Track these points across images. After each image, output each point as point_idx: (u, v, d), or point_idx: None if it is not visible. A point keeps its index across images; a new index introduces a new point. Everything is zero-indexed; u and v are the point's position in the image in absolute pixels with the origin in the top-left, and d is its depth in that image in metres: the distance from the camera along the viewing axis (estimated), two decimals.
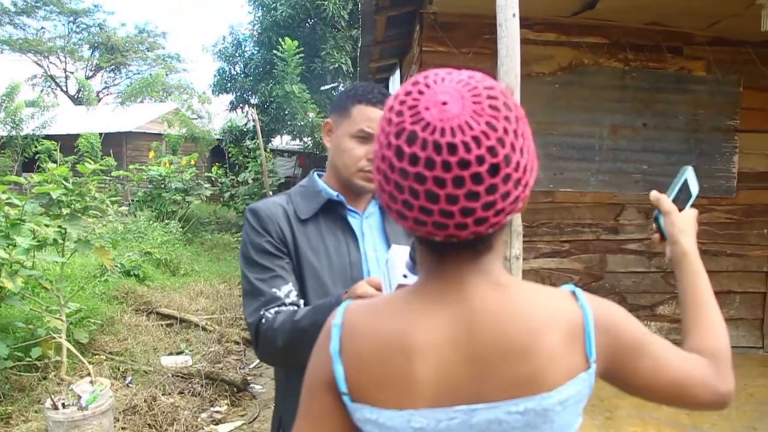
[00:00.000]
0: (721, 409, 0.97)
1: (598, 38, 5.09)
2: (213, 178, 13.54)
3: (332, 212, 1.59)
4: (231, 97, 16.17)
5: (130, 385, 4.55)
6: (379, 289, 1.27)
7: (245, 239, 1.55)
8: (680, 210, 1.17)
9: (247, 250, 1.53)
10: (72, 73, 33.78)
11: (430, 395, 0.83)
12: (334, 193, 1.59)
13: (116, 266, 6.05)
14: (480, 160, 0.75)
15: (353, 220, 1.60)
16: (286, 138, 17.03)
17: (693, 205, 1.20)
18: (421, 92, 0.79)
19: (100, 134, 15.72)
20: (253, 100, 15.54)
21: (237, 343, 6.03)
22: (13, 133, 16.31)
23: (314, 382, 0.90)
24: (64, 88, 34.69)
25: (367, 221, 1.62)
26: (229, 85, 15.94)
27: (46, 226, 4.03)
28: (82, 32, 33.51)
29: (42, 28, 32.59)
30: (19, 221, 3.96)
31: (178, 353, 5.38)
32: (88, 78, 31.75)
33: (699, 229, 1.13)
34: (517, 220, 2.73)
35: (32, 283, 4.70)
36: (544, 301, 0.88)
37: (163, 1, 76.94)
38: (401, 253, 1.21)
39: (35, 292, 4.85)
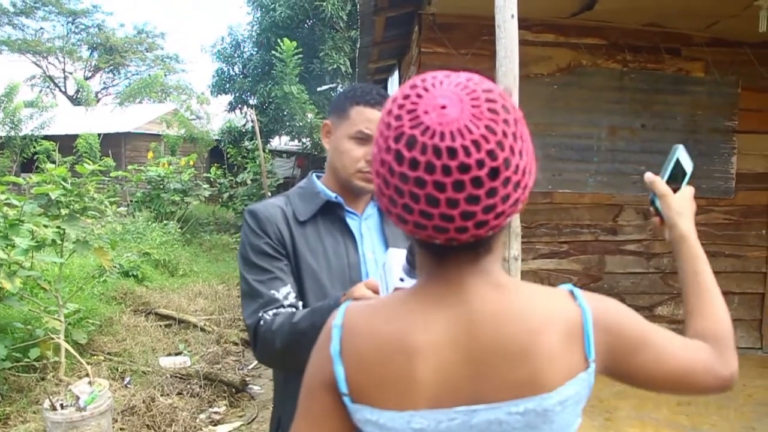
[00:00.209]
0: (725, 391, 0.98)
1: (597, 39, 5.10)
2: (212, 179, 13.53)
3: (331, 214, 1.59)
4: (230, 97, 16.18)
5: (129, 385, 4.55)
6: (376, 291, 1.27)
7: (244, 241, 1.55)
8: (676, 190, 1.16)
9: (245, 252, 1.53)
10: (71, 73, 33.74)
11: (430, 396, 0.83)
12: (332, 195, 1.59)
13: (115, 267, 6.05)
14: (480, 163, 0.75)
15: (352, 222, 1.60)
16: (285, 139, 17.04)
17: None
18: (419, 96, 0.79)
19: (99, 135, 15.71)
20: (252, 101, 15.55)
21: (235, 344, 6.03)
22: (12, 133, 16.29)
23: (314, 382, 0.90)
24: (63, 89, 34.67)
25: (365, 223, 1.62)
26: (227, 85, 15.95)
27: (45, 226, 4.03)
28: (80, 33, 33.50)
29: (41, 28, 32.66)
30: (17, 222, 3.96)
31: (177, 354, 5.38)
32: (86, 78, 31.72)
33: (697, 230, 1.12)
34: (515, 221, 2.73)
35: (31, 284, 4.70)
36: (543, 301, 0.88)
37: (161, 1, 76.95)
38: (398, 256, 1.20)
39: (34, 292, 4.84)
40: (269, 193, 11.29)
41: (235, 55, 16.13)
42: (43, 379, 4.29)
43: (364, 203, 1.64)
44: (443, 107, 0.77)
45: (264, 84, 14.43)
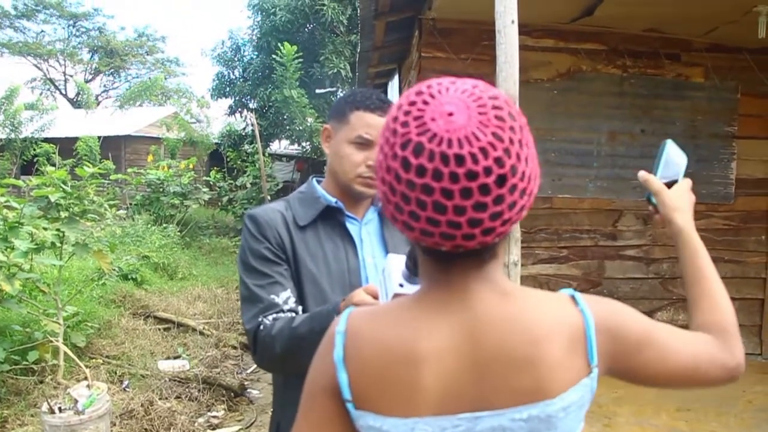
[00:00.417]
0: (733, 382, 0.98)
1: (597, 45, 5.11)
2: (211, 183, 13.54)
3: (331, 218, 1.59)
4: (230, 101, 16.18)
5: (127, 389, 4.54)
6: (376, 297, 1.27)
7: (244, 245, 1.55)
8: (671, 186, 1.15)
9: (245, 256, 1.53)
10: (71, 76, 33.79)
11: (434, 403, 0.83)
12: (332, 200, 1.59)
13: (114, 270, 6.05)
14: (487, 171, 0.75)
15: (352, 227, 1.60)
16: (285, 142, 17.03)
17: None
18: (426, 102, 0.79)
19: (99, 138, 15.72)
20: (252, 105, 15.56)
21: (234, 347, 6.02)
22: (12, 135, 16.31)
23: (316, 388, 0.90)
24: (64, 92, 34.70)
25: (365, 228, 1.62)
26: (227, 89, 15.95)
27: (45, 229, 4.03)
28: (81, 36, 33.53)
29: (42, 31, 32.62)
30: (17, 224, 3.96)
31: (176, 357, 5.38)
32: (87, 81, 31.71)
33: (705, 247, 1.12)
34: (515, 227, 2.73)
35: (30, 286, 4.70)
36: (546, 308, 0.88)
37: (162, 4, 77.09)
38: (398, 262, 1.20)
39: (33, 295, 4.84)
40: (269, 197, 11.30)
41: (236, 59, 16.15)
42: (41, 382, 4.28)
43: (364, 208, 1.64)
44: (450, 114, 0.77)
45: (264, 88, 14.45)
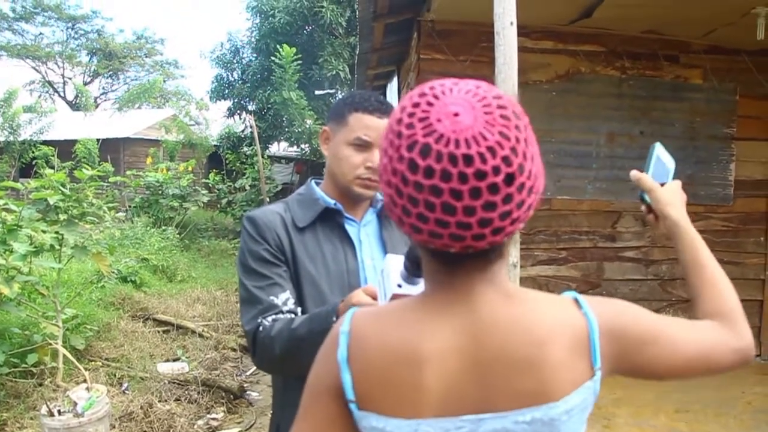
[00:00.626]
0: (746, 364, 0.98)
1: (595, 46, 5.11)
2: (210, 185, 13.54)
3: (330, 220, 1.59)
4: (228, 103, 16.20)
5: (127, 391, 4.54)
6: (374, 298, 1.27)
7: (243, 247, 1.55)
8: (661, 186, 1.18)
9: (244, 258, 1.53)
10: (70, 78, 33.77)
11: (437, 404, 0.83)
12: (331, 201, 1.59)
13: (113, 272, 6.04)
14: (496, 170, 0.75)
15: (350, 228, 1.60)
16: (284, 144, 17.05)
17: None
18: (430, 104, 0.79)
19: (98, 140, 15.73)
20: (251, 107, 15.57)
21: (234, 350, 6.02)
22: (11, 138, 16.32)
23: (319, 388, 0.90)
24: (62, 94, 34.71)
25: (364, 229, 1.62)
26: (226, 91, 15.97)
27: (43, 231, 4.03)
28: (80, 38, 33.55)
29: (40, 33, 32.63)
30: (16, 227, 3.96)
31: (175, 360, 5.37)
32: (85, 84, 31.74)
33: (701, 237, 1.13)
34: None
35: (29, 289, 4.69)
36: (549, 311, 0.88)
37: (161, 6, 77.13)
38: (396, 262, 1.20)
39: (32, 298, 4.83)
40: (268, 199, 11.30)
41: (234, 61, 16.16)
42: (40, 384, 4.28)
43: (362, 210, 1.64)
44: (456, 114, 0.77)
45: (263, 90, 14.46)
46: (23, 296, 4.55)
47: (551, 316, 0.87)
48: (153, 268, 8.05)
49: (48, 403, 3.57)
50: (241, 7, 27.84)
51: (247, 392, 5.06)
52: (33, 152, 15.69)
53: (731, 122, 5.30)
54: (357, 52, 6.85)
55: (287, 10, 14.10)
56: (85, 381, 3.85)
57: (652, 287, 5.34)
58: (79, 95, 22.39)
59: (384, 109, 1.54)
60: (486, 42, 4.19)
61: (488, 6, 2.68)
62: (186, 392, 4.67)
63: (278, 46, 12.29)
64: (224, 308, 7.18)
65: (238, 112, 16.13)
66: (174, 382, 4.76)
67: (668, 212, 1.14)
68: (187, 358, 5.43)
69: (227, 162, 14.71)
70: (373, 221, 1.65)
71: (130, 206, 11.84)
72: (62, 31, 33.05)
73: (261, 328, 1.44)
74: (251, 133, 13.05)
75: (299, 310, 1.49)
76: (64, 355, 4.07)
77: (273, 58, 12.37)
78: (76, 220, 4.32)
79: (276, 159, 17.62)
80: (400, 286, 1.18)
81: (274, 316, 1.45)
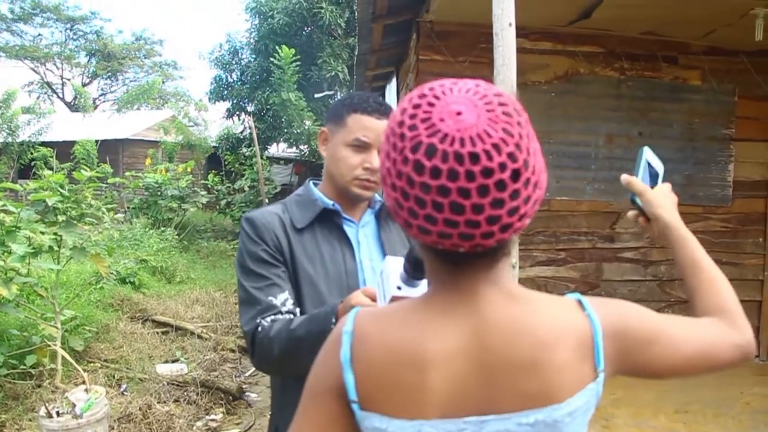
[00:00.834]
0: (747, 360, 0.99)
1: (594, 47, 5.11)
2: (209, 186, 13.53)
3: (328, 221, 1.59)
4: (227, 104, 16.18)
5: (125, 393, 4.53)
6: (374, 299, 1.27)
7: (241, 248, 1.55)
8: (652, 188, 1.19)
9: (243, 259, 1.53)
10: (69, 80, 33.77)
11: (440, 406, 0.83)
12: (329, 202, 1.59)
13: (112, 274, 6.03)
14: (502, 167, 0.75)
15: (349, 229, 1.60)
16: (283, 146, 17.03)
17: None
18: (431, 104, 0.79)
19: (97, 141, 15.70)
20: (250, 108, 15.56)
21: (233, 351, 6.01)
22: (9, 139, 16.30)
23: (320, 387, 0.90)
24: (61, 95, 34.70)
25: (362, 230, 1.63)
26: (225, 92, 15.96)
27: (42, 233, 4.03)
28: (79, 39, 33.55)
29: (39, 34, 32.63)
30: (14, 228, 3.95)
31: (174, 361, 5.37)
32: (84, 85, 31.76)
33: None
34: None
35: (27, 291, 4.69)
36: (553, 312, 0.88)
37: (160, 6, 77.11)
38: (396, 264, 1.20)
39: (30, 299, 4.83)
40: (267, 200, 11.30)
41: (233, 62, 16.15)
42: (39, 386, 4.27)
43: (361, 211, 1.65)
44: (459, 113, 0.77)
45: (262, 91, 14.45)
46: (22, 298, 4.54)
47: (555, 318, 0.87)
48: (152, 270, 8.04)
49: (47, 404, 3.57)
50: (240, 8, 27.90)
51: (246, 393, 5.06)
52: (32, 153, 15.66)
53: (730, 123, 5.30)
54: (356, 53, 6.85)
55: (286, 11, 14.10)
56: (83, 382, 3.84)
57: (650, 288, 5.34)
58: (78, 96, 22.38)
59: (382, 110, 1.54)
60: (485, 43, 4.19)
61: (487, 7, 2.68)
62: (185, 393, 4.67)
63: (277, 47, 12.29)
64: (223, 309, 7.17)
65: (237, 113, 16.11)
66: (173, 384, 4.76)
67: (659, 214, 1.14)
68: (186, 359, 5.42)
69: (226, 163, 14.71)
70: (371, 222, 1.65)
71: (128, 207, 11.83)
72: (61, 32, 33.08)
73: (260, 329, 1.44)
74: (250, 134, 13.05)
75: (298, 310, 1.49)
76: (63, 357, 4.06)
77: (272, 59, 12.36)
78: (75, 222, 4.32)
79: (275, 160, 17.60)
80: (399, 288, 1.18)
81: (272, 317, 1.45)
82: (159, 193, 11.39)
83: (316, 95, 14.11)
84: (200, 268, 9.55)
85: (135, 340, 5.55)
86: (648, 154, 1.21)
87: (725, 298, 1.02)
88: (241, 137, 15.47)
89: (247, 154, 13.72)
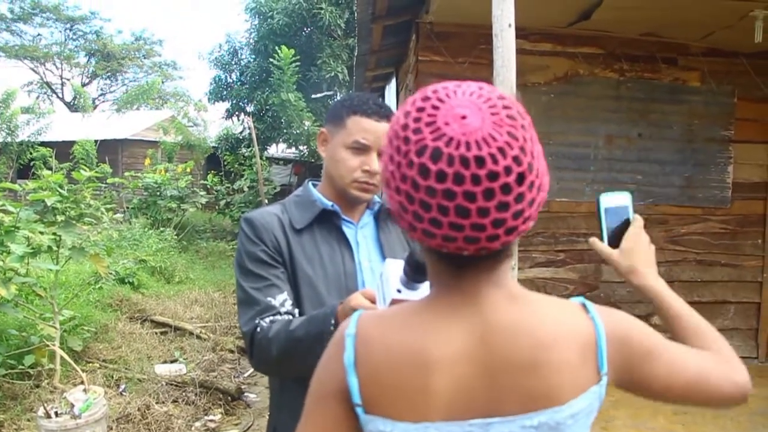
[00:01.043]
0: (742, 401, 0.97)
1: (594, 49, 5.11)
2: (208, 186, 13.53)
3: (327, 222, 1.59)
4: (227, 104, 16.17)
5: (124, 393, 4.53)
6: (373, 301, 1.26)
7: (240, 248, 1.55)
8: (623, 230, 1.12)
9: (242, 260, 1.53)
10: (68, 80, 33.78)
11: (445, 408, 0.83)
12: (329, 203, 1.59)
13: (111, 274, 6.03)
14: (507, 170, 0.76)
15: (348, 230, 1.60)
16: (282, 146, 17.03)
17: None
18: (435, 107, 0.79)
19: (96, 141, 15.71)
20: (249, 108, 15.55)
21: (231, 351, 6.01)
22: (9, 139, 16.30)
23: (324, 391, 0.89)
24: (60, 95, 34.69)
25: (361, 231, 1.62)
26: (225, 92, 15.95)
27: (41, 233, 4.02)
28: (78, 39, 33.56)
29: (38, 34, 32.64)
30: (13, 228, 3.95)
31: (172, 361, 5.36)
32: (84, 85, 31.76)
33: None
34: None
35: (26, 291, 4.68)
36: (557, 314, 0.88)
37: (159, 6, 77.12)
38: (395, 267, 1.20)
39: (29, 299, 4.83)
40: (266, 201, 11.30)
41: (233, 63, 16.14)
42: (37, 386, 4.27)
43: (360, 212, 1.64)
44: (464, 117, 0.77)
45: (261, 91, 14.45)
46: (20, 298, 4.54)
47: (555, 319, 0.87)
48: (151, 270, 8.04)
49: (45, 404, 3.56)
50: (239, 9, 27.86)
51: (245, 394, 5.06)
52: (31, 153, 15.67)
53: (729, 125, 5.30)
54: (355, 54, 6.85)
55: (286, 11, 14.10)
56: (82, 383, 3.84)
57: None
58: (78, 96, 22.39)
59: (382, 113, 1.54)
60: (484, 44, 4.19)
61: (487, 8, 2.68)
62: (183, 394, 4.67)
63: (277, 48, 12.29)
64: (222, 310, 7.17)
65: (237, 113, 16.10)
66: (171, 384, 4.76)
67: (630, 279, 1.10)
68: (184, 359, 5.42)
69: (225, 163, 14.70)
70: (370, 223, 1.65)
71: (128, 207, 11.83)
72: (60, 32, 33.08)
73: (258, 330, 1.44)
74: (249, 134, 13.05)
75: (297, 311, 1.49)
76: (62, 357, 4.06)
77: (271, 59, 12.36)
78: (74, 222, 4.32)
79: (274, 160, 17.61)
80: (399, 291, 1.17)
81: (271, 318, 1.44)
82: (158, 193, 11.39)
83: (315, 96, 14.11)
84: (199, 268, 9.55)
85: (134, 340, 5.55)
86: (604, 201, 1.14)
87: (715, 342, 1.00)
88: (241, 137, 15.47)
89: (246, 154, 13.71)
